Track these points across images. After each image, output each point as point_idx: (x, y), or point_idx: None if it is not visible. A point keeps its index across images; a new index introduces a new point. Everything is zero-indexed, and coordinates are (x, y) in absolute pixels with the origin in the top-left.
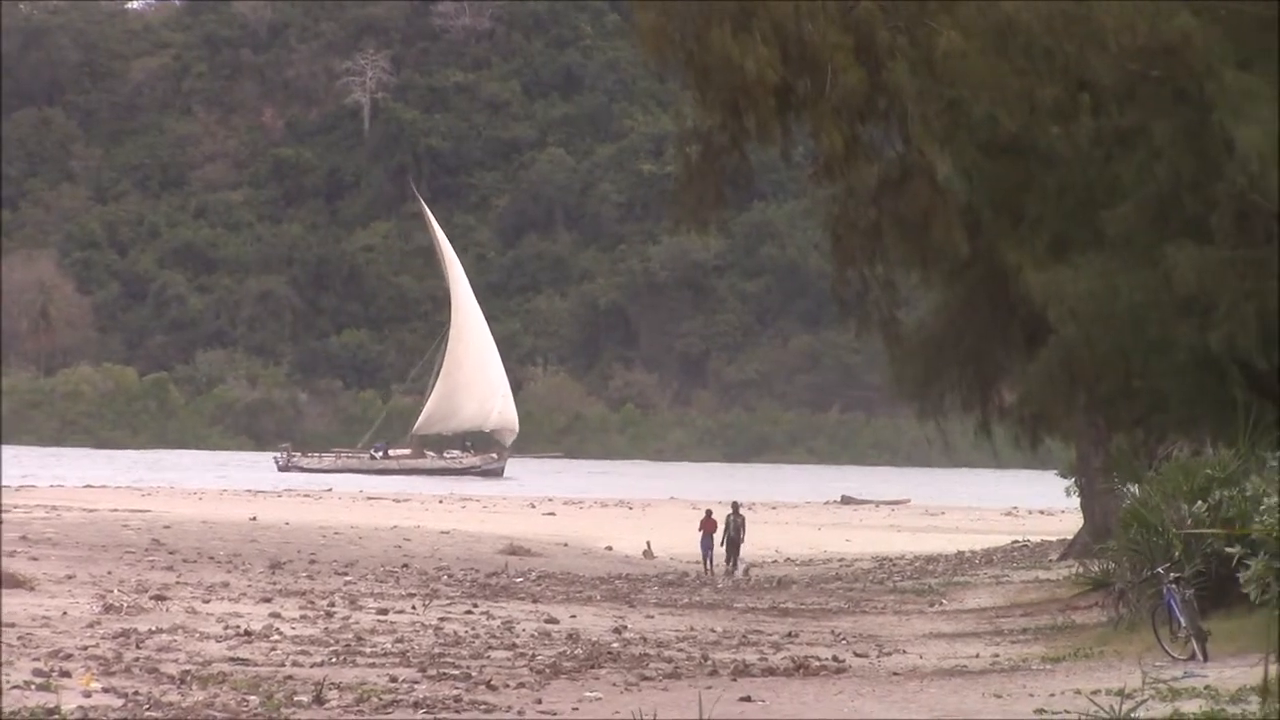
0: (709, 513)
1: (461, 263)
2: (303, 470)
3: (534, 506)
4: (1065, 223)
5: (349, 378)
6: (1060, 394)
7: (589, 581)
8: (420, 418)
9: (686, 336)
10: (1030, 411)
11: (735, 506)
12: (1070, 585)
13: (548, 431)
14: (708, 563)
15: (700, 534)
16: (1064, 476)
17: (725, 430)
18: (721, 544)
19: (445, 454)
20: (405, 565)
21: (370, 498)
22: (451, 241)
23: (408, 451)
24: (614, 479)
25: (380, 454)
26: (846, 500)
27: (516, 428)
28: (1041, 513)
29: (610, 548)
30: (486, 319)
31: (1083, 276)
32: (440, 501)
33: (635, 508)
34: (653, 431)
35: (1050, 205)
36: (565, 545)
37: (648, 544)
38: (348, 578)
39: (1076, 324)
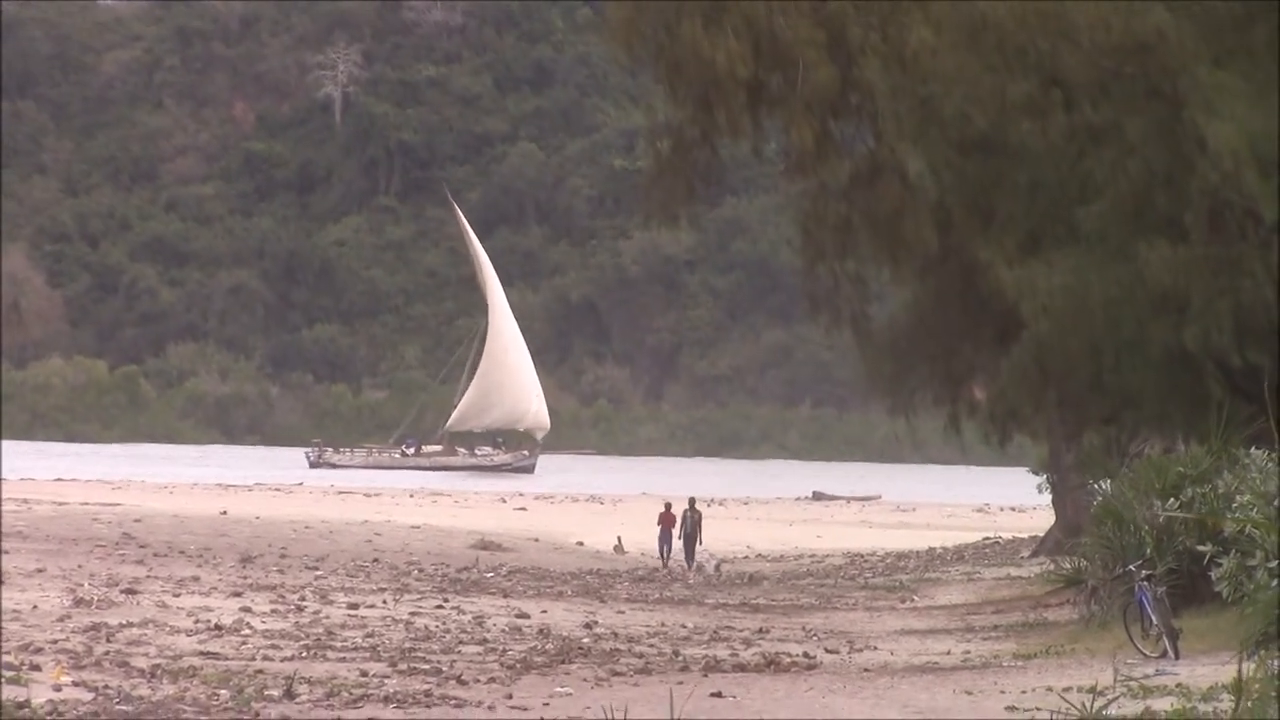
0: (668, 506)
1: (433, 256)
2: (334, 467)
3: (505, 501)
4: (1038, 220)
5: (320, 371)
6: (1032, 391)
7: (560, 576)
8: (453, 414)
9: (658, 332)
10: (1001, 408)
11: (691, 503)
12: (1042, 582)
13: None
14: (664, 557)
15: (658, 528)
16: (1035, 473)
17: (697, 425)
18: (679, 538)
19: (476, 450)
20: (376, 560)
21: (341, 492)
22: (424, 235)
23: (439, 448)
24: (641, 476)
25: (412, 450)
26: (818, 496)
27: (548, 426)
28: (1013, 509)
29: (581, 543)
30: (458, 312)
31: (1055, 273)
32: (411, 496)
33: (606, 503)
34: (624, 427)
35: (1022, 202)
36: (536, 540)
37: (618, 539)
38: (318, 572)
39: (1049, 320)
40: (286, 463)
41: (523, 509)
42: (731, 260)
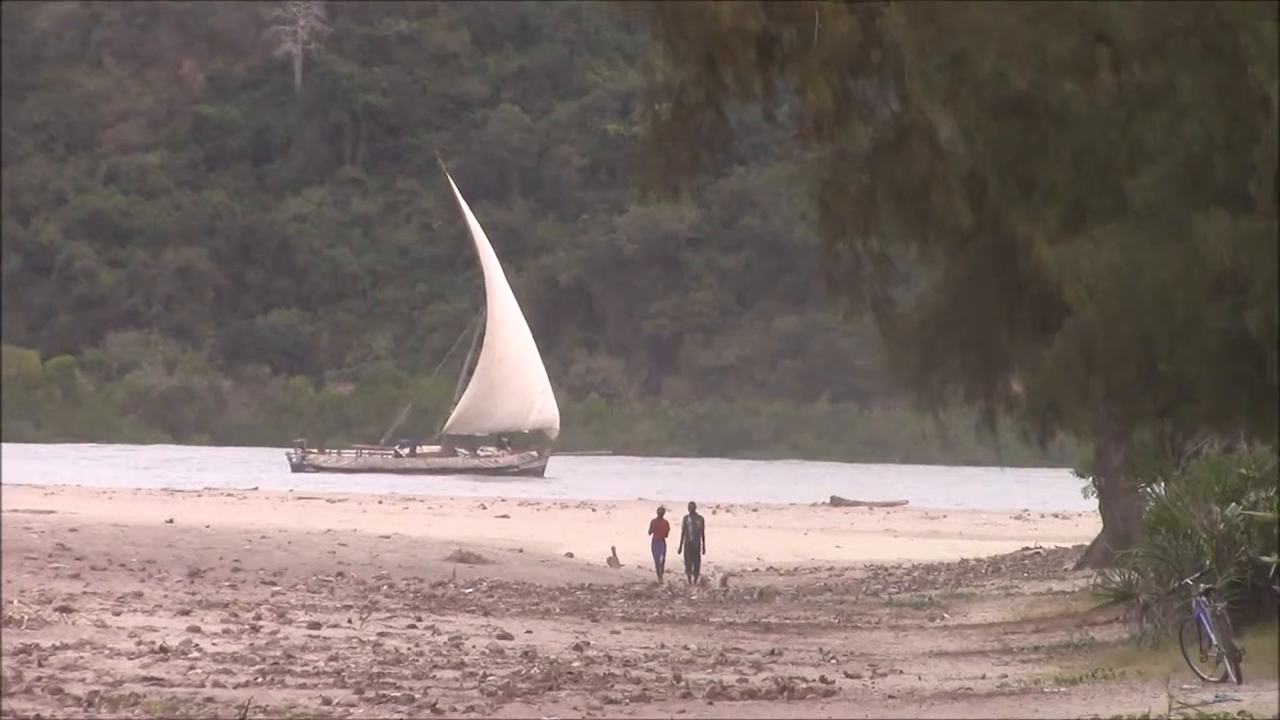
0: (661, 513)
1: (404, 233)
2: (320, 469)
3: (485, 508)
4: (1082, 191)
5: (278, 363)
6: (1076, 383)
7: (547, 592)
8: (451, 417)
9: (656, 318)
10: (1042, 403)
11: (692, 508)
12: (1088, 598)
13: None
14: (662, 571)
15: (651, 538)
16: (1080, 476)
17: (700, 423)
18: (679, 550)
19: (479, 452)
20: (340, 574)
21: (301, 498)
22: (394, 210)
23: (437, 449)
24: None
25: (407, 451)
26: (836, 502)
27: (558, 425)
28: (1055, 516)
29: (571, 554)
30: (431, 296)
31: (1102, 250)
32: (380, 502)
33: (599, 510)
34: (619, 424)
35: (1065, 171)
36: (520, 552)
37: (613, 550)
38: (276, 587)
39: (1095, 304)
40: (261, 463)
41: (505, 517)
42: (739, 237)
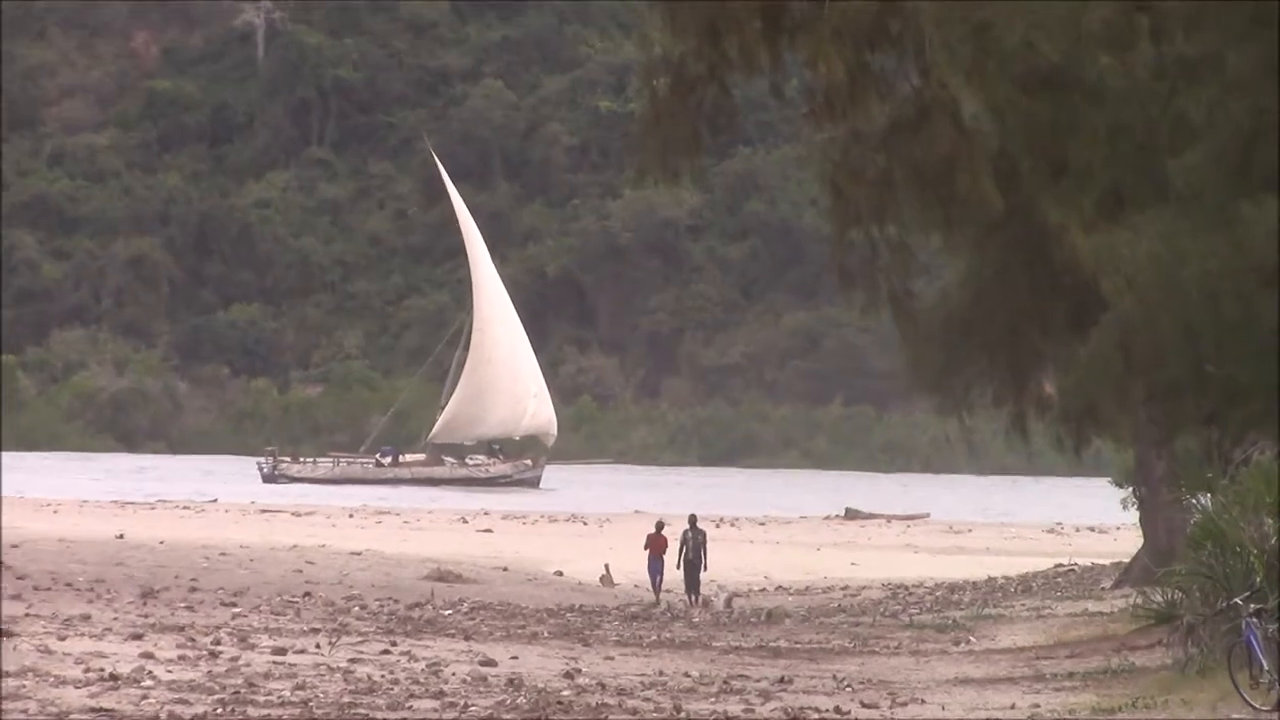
0: (659, 527)
1: (377, 221)
2: (293, 480)
3: (466, 522)
4: (1120, 173)
5: (238, 363)
6: (1114, 384)
7: (534, 614)
8: (437, 424)
9: (654, 313)
10: (1077, 405)
11: (693, 521)
12: (1127, 619)
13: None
14: (658, 590)
15: (647, 554)
16: (1119, 485)
17: (702, 428)
18: (678, 567)
19: (468, 460)
20: (307, 594)
21: (264, 510)
22: (366, 195)
23: (422, 457)
24: (634, 490)
25: (389, 460)
26: (851, 515)
27: (555, 430)
28: (1091, 530)
29: (560, 573)
30: (407, 290)
31: (1142, 238)
32: (351, 516)
33: (591, 524)
34: (612, 430)
35: (1101, 152)
36: (505, 570)
37: (606, 568)
38: (236, 609)
39: (1134, 297)
40: (222, 473)
41: (488, 531)
42: (745, 225)
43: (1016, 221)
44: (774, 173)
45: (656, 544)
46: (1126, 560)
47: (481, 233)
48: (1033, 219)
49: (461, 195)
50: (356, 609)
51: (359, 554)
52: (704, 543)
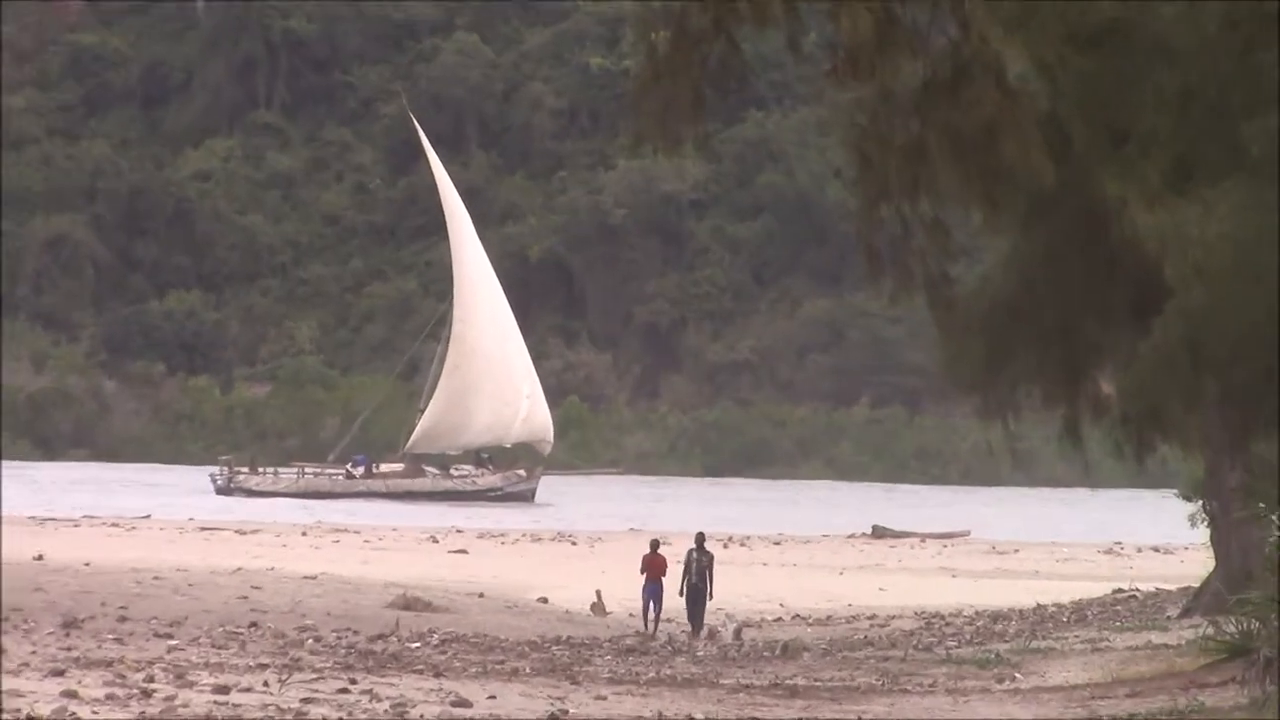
0: (654, 547)
1: (334, 195)
2: (251, 493)
3: (437, 541)
4: (1188, 140)
5: (174, 359)
6: (1181, 382)
7: (514, 648)
8: (416, 432)
9: (652, 301)
10: (1139, 407)
11: (699, 540)
12: (1196, 652)
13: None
14: (652, 621)
15: (643, 578)
16: (1187, 499)
17: (707, 433)
18: (680, 593)
19: (453, 470)
20: (254, 624)
21: (205, 528)
22: (322, 166)
23: (400, 467)
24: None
25: (361, 470)
26: (880, 533)
27: (551, 437)
28: (1155, 550)
29: (545, 599)
30: (369, 275)
31: (1213, 215)
32: (304, 534)
33: (581, 543)
34: (604, 435)
35: (1167, 116)
36: (481, 596)
37: (598, 594)
38: (173, 641)
39: (1204, 283)
40: (157, 485)
41: (461, 552)
42: (757, 200)
43: (1069, 196)
44: (790, 140)
45: (653, 566)
46: (1195, 585)
47: None
48: (1088, 193)
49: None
50: (310, 641)
51: (313, 578)
52: (710, 566)
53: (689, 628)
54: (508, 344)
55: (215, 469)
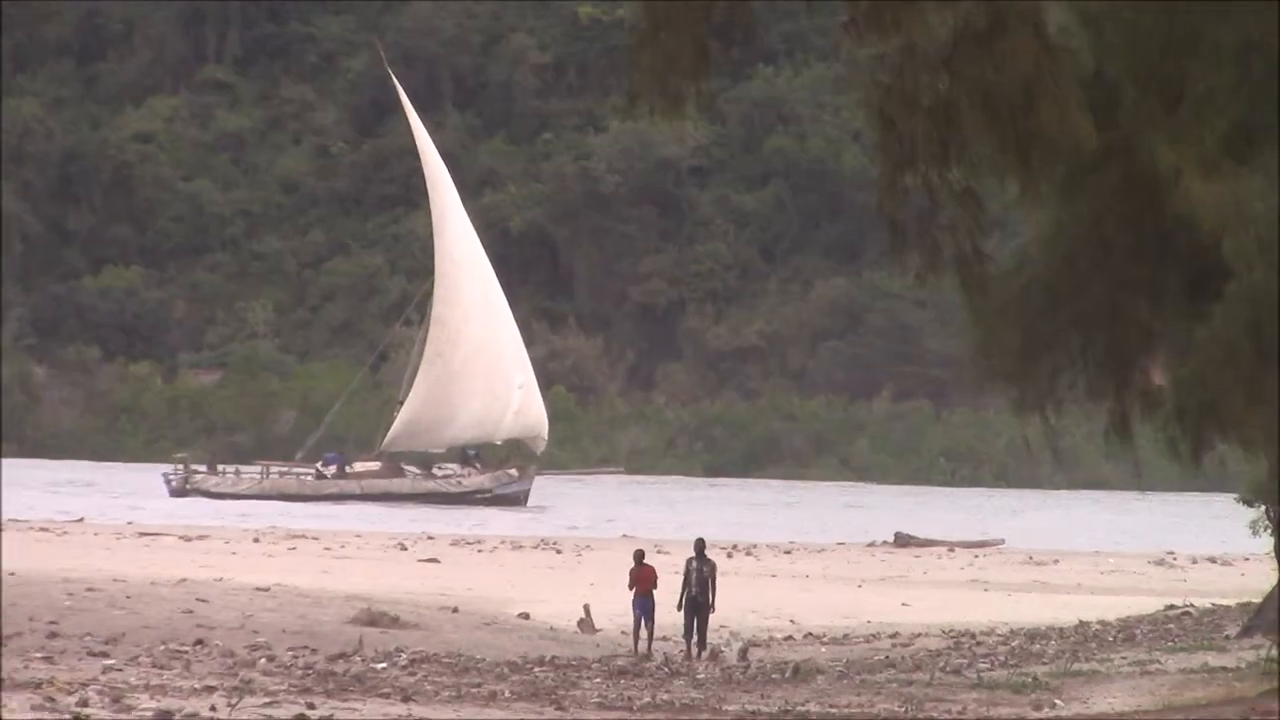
0: (639, 558)
1: (292, 160)
2: (210, 495)
3: (405, 549)
4: (1250, 102)
5: (112, 343)
6: (1242, 372)
7: (492, 669)
8: (393, 428)
9: (648, 280)
10: (1195, 401)
11: (699, 548)
12: (1258, 676)
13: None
14: (643, 638)
15: (632, 593)
16: (1247, 503)
17: (709, 428)
18: (679, 608)
19: (437, 469)
20: (200, 641)
21: (144, 533)
22: (278, 127)
23: (376, 466)
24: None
25: (334, 469)
26: (903, 541)
27: (546, 432)
28: (1212, 561)
29: (526, 615)
30: (330, 249)
31: (1277, 187)
32: (256, 540)
33: (567, 550)
34: (594, 430)
35: (1227, 75)
36: (455, 611)
37: (585, 609)
38: (109, 660)
39: (1269, 262)
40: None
41: (433, 561)
42: (766, 166)
43: (1117, 164)
44: (803, 100)
45: (642, 579)
46: (1257, 600)
47: (423, 176)
48: (1138, 160)
49: (398, 128)
50: (263, 661)
51: (266, 590)
52: (713, 576)
53: (685, 646)
54: (497, 328)
55: (169, 468)
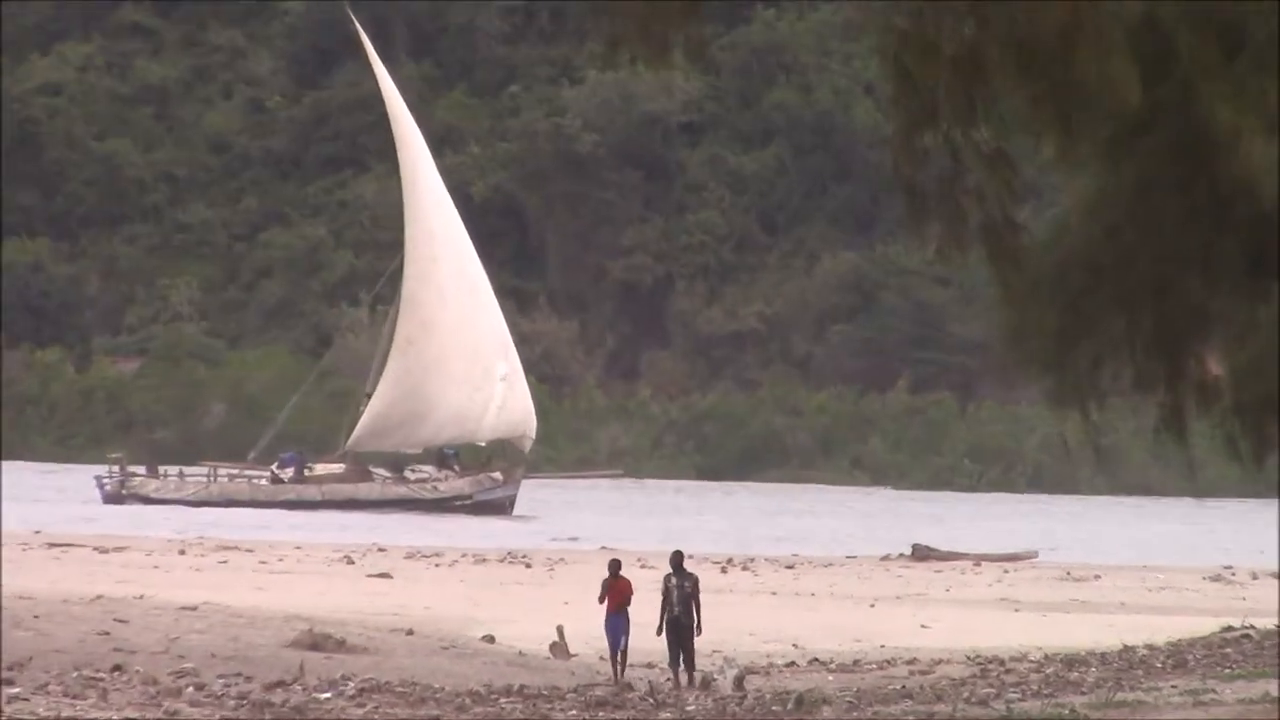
0: (615, 569)
1: (223, 116)
2: (150, 500)
3: (352, 562)
4: None
5: (17, 325)
6: None
7: (452, 699)
8: (360, 426)
9: (631, 254)
10: (1257, 392)
11: (677, 562)
12: None
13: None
14: (617, 662)
15: (605, 609)
16: None
17: (700, 424)
18: (658, 633)
19: (409, 472)
20: (118, 667)
21: (54, 545)
22: (206, 78)
23: (340, 469)
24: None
25: (291, 471)
26: (922, 554)
27: (533, 431)
28: (1275, 577)
29: (491, 638)
30: (266, 218)
31: None
32: (182, 552)
33: (537, 564)
34: (569, 426)
35: None
36: (410, 634)
37: (559, 631)
38: (13, 689)
39: None
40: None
41: (384, 576)
42: (766, 124)
43: (1167, 121)
44: (808, 46)
45: (616, 593)
46: None
47: (373, 135)
48: (1191, 118)
49: (346, 81)
50: (190, 689)
51: (194, 609)
52: (695, 593)
53: (672, 675)
54: (477, 310)
55: (103, 470)
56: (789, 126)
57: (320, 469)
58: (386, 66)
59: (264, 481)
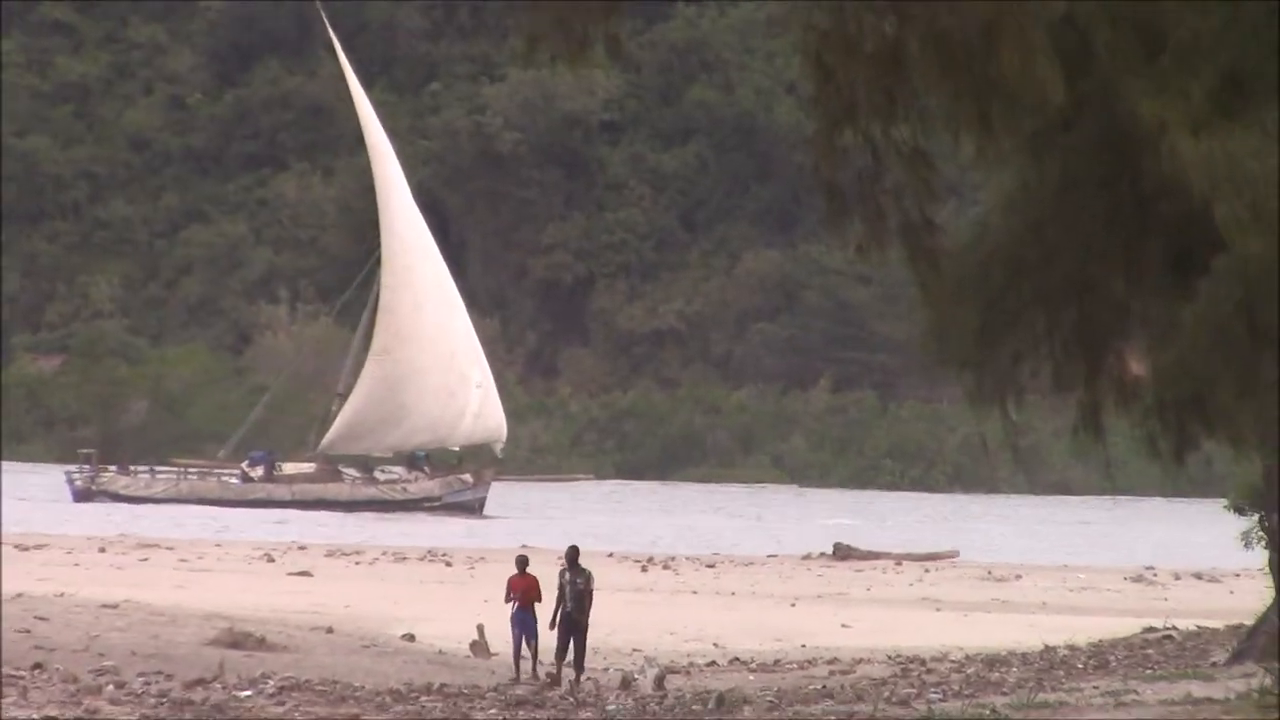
0: (522, 565)
1: (144, 113)
2: (119, 498)
3: (272, 560)
4: (1242, 50)
5: None
6: (1234, 359)
7: (372, 698)
8: (333, 429)
9: (551, 251)
10: (1179, 392)
11: (572, 558)
12: (1251, 708)
13: (291, 426)
14: (520, 659)
15: (511, 605)
16: (1238, 511)
17: (621, 423)
18: (551, 627)
19: (379, 473)
20: (38, 665)
21: None
22: (127, 75)
23: (310, 468)
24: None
25: (261, 470)
26: (843, 552)
27: (504, 434)
28: (1197, 577)
29: (412, 636)
30: (187, 215)
31: (1275, 145)
32: (103, 550)
33: (458, 563)
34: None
35: (1217, 15)
36: (329, 632)
37: (479, 630)
38: None
39: (1265, 232)
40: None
41: (304, 574)
42: (687, 122)
43: (1090, 118)
44: (730, 44)
45: (523, 589)
46: (1249, 622)
47: (295, 133)
48: (1114, 115)
49: (264, 78)
50: (110, 688)
51: (114, 606)
52: (589, 591)
53: (555, 668)
54: (452, 318)
55: (73, 468)
56: (710, 125)
57: (290, 469)
58: (304, 66)
59: (234, 480)
